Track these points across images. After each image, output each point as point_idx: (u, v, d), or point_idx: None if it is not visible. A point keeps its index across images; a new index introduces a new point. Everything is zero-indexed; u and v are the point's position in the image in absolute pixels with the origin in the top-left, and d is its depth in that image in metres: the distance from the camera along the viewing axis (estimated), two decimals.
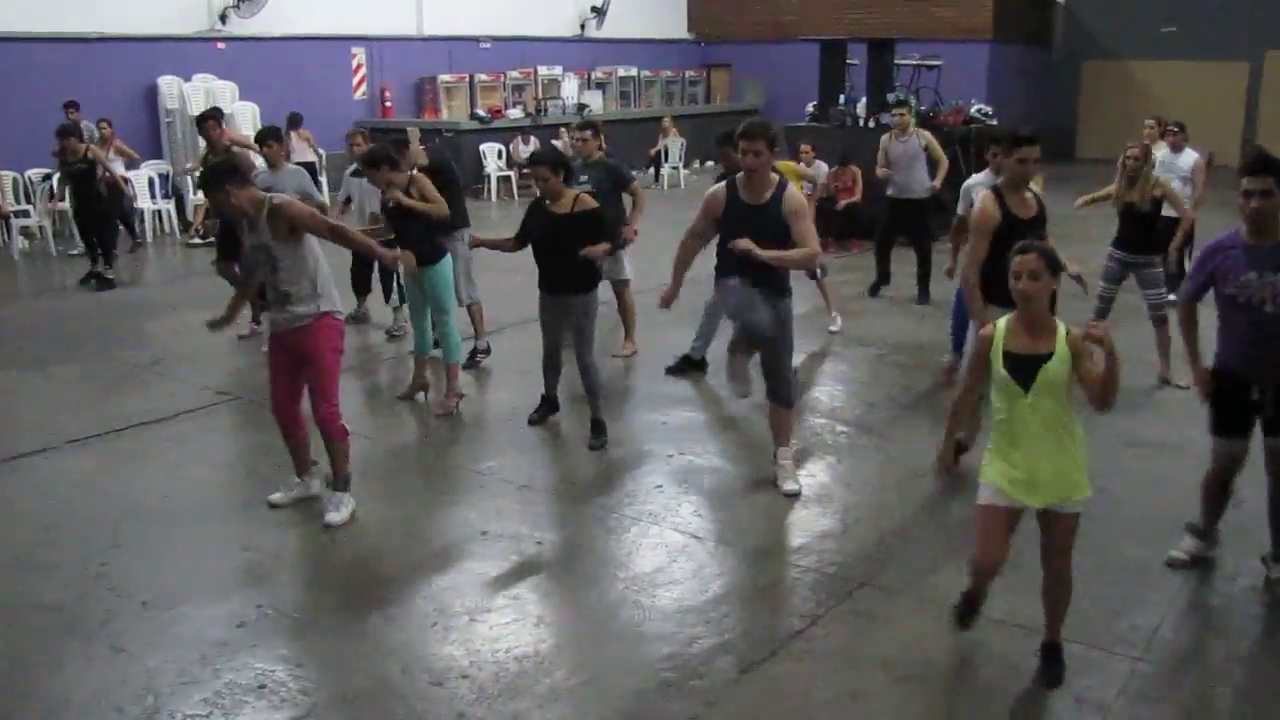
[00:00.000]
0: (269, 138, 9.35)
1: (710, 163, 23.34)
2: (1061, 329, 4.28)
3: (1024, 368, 4.24)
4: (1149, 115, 12.43)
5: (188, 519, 6.31)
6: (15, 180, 15.04)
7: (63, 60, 16.00)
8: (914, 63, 16.75)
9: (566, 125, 15.01)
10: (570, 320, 7.31)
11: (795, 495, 6.46)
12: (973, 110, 16.20)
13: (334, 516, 6.14)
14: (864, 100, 16.04)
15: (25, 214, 14.89)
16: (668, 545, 5.86)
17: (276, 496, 6.43)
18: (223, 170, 6.03)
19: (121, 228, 13.93)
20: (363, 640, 4.93)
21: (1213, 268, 5.18)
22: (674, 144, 21.51)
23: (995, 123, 16.31)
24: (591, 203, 7.30)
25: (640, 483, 6.77)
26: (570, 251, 7.07)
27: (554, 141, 17.92)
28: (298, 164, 11.46)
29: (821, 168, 14.01)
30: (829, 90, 16.65)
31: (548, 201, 7.24)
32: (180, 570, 5.73)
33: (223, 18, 18.10)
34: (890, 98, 15.20)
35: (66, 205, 14.63)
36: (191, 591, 5.49)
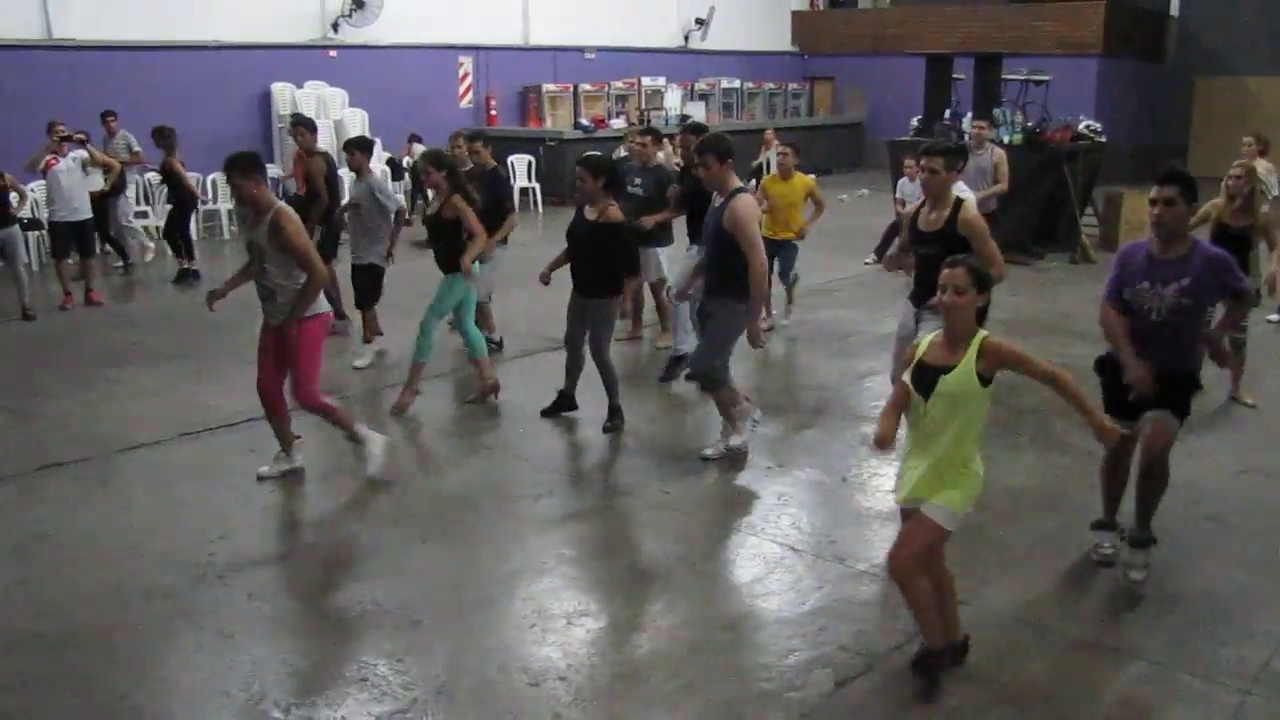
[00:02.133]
0: (354, 147, 9.52)
1: (813, 175, 23.23)
2: (977, 339, 4.33)
3: (927, 378, 4.34)
4: (1250, 131, 12.06)
5: (293, 513, 6.46)
6: (136, 183, 15.52)
7: (183, 68, 16.53)
8: (1021, 78, 16.53)
9: (670, 135, 15.35)
10: (588, 321, 7.67)
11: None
12: (1081, 127, 15.92)
13: (370, 465, 6.80)
14: (969, 115, 15.85)
15: (144, 214, 15.37)
16: (765, 556, 5.86)
17: (264, 469, 6.88)
18: (236, 159, 6.47)
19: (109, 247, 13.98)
20: (463, 639, 5.00)
21: (1120, 270, 5.47)
22: (775, 156, 21.37)
23: (1104, 139, 16.02)
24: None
25: (739, 493, 6.77)
26: (594, 256, 7.52)
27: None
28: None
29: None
30: (934, 104, 16.50)
31: (586, 206, 7.64)
32: (285, 562, 5.88)
33: (335, 26, 18.52)
34: (996, 113, 15.03)
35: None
36: (296, 582, 5.63)
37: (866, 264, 13.95)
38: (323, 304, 6.71)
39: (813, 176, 10.97)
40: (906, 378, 4.43)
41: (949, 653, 4.62)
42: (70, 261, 11.96)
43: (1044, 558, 5.82)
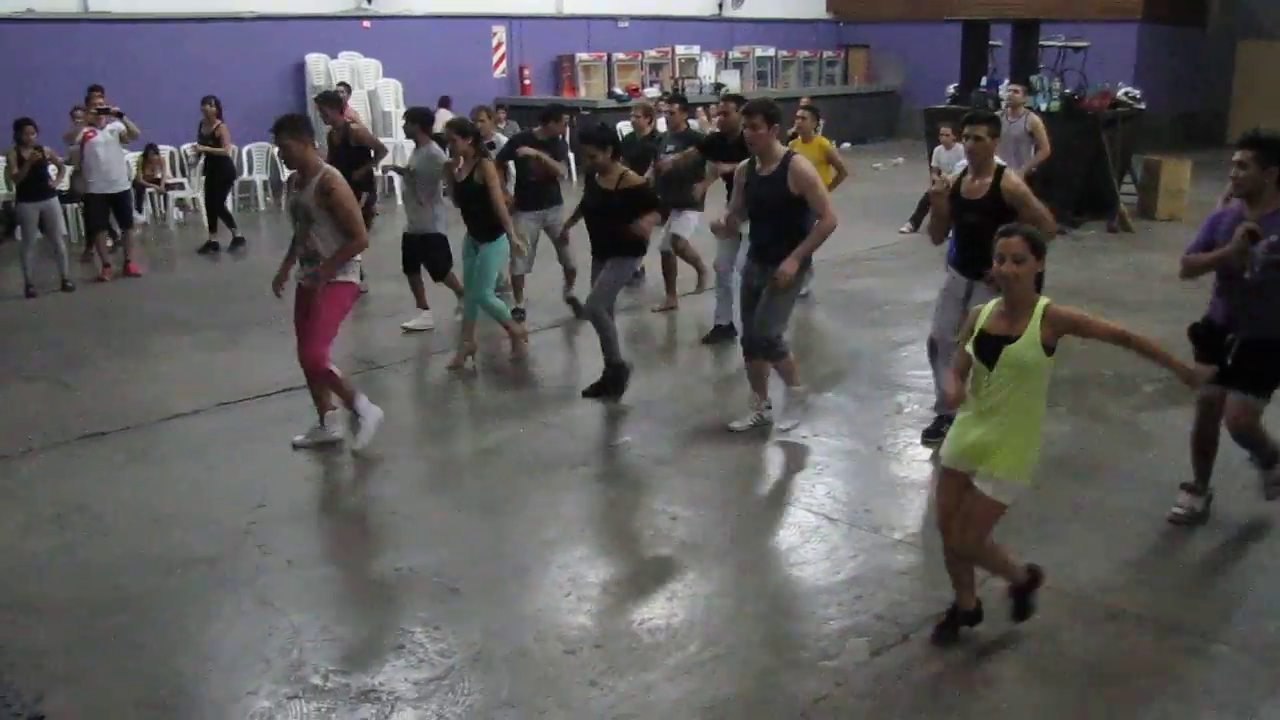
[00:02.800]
0: (412, 118, 9.62)
1: (847, 144, 23.10)
2: (1039, 307, 4.33)
3: (991, 347, 4.34)
4: None
5: (331, 481, 6.51)
6: (172, 155, 15.64)
7: (217, 39, 16.57)
8: (1059, 44, 16.29)
9: (704, 105, 15.53)
10: (600, 274, 7.73)
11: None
12: (1120, 94, 15.69)
13: (361, 439, 6.78)
14: (1007, 82, 15.66)
15: (180, 186, 15.47)
16: (801, 526, 5.85)
17: (299, 438, 6.98)
18: (286, 120, 6.57)
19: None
20: (499, 607, 5.04)
21: (1209, 233, 5.59)
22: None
23: (1143, 106, 15.80)
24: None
25: (773, 462, 6.76)
26: (614, 223, 7.57)
27: (690, 120, 17.94)
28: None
29: (960, 150, 13.75)
30: (971, 72, 16.32)
31: (598, 176, 7.66)
32: (323, 530, 5.95)
33: None
34: (1033, 80, 14.85)
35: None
36: (334, 550, 5.69)
37: (901, 233, 13.85)
38: (355, 272, 6.75)
39: (830, 141, 10.90)
40: (969, 348, 4.41)
41: (1021, 595, 4.70)
42: (108, 233, 12.05)
43: (1081, 528, 5.78)
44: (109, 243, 12.05)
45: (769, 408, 7.22)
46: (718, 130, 9.50)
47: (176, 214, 15.17)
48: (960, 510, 4.49)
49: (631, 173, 7.75)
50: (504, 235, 8.44)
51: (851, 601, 5.05)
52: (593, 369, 8.02)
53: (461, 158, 8.46)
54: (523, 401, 7.94)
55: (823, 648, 4.67)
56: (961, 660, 4.56)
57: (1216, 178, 10.96)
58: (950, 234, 6.72)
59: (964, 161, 6.76)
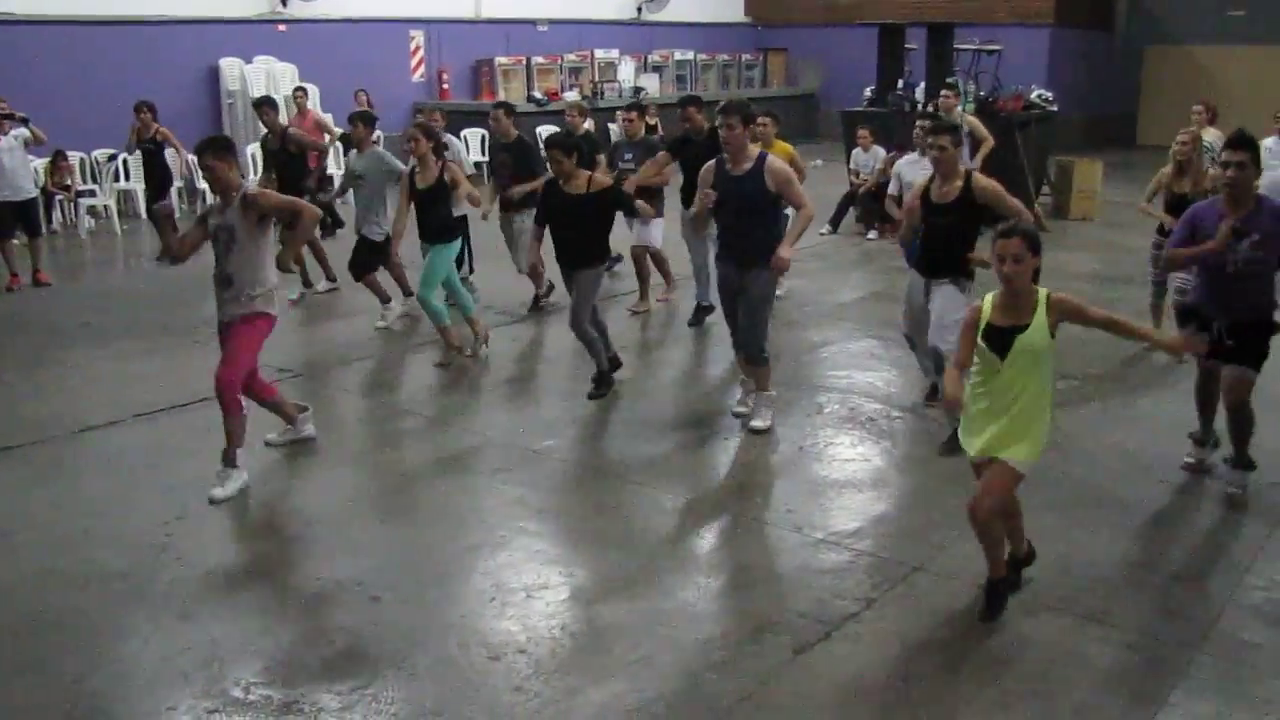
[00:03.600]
0: (358, 121, 9.80)
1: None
2: (1042, 296, 4.62)
3: (1002, 338, 4.59)
4: (1200, 100, 12.18)
5: (250, 491, 6.42)
6: (82, 160, 15.31)
7: (127, 43, 16.24)
8: (973, 47, 16.59)
9: (622, 109, 15.66)
10: (575, 288, 7.72)
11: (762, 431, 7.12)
12: (1033, 96, 16.01)
13: (218, 492, 6.23)
14: (922, 85, 15.91)
15: (91, 193, 15.15)
16: (723, 526, 5.89)
17: (271, 436, 6.94)
18: (211, 140, 6.42)
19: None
20: (422, 614, 5.01)
21: (1193, 227, 5.96)
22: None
23: (1055, 108, 16.14)
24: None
25: (696, 464, 6.79)
26: (585, 228, 7.60)
27: (610, 125, 18.03)
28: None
29: (879, 153, 13.96)
30: (887, 75, 16.54)
31: (561, 182, 7.61)
32: (243, 541, 5.86)
33: (284, 0, 18.27)
34: (949, 82, 15.09)
35: (131, 184, 15.03)
36: (253, 562, 5.61)
37: (821, 234, 13.98)
38: (274, 304, 6.50)
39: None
40: (982, 343, 4.64)
41: (1016, 568, 5.08)
42: (16, 242, 11.76)
43: (1063, 505, 5.83)
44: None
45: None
46: (686, 132, 9.40)
47: (88, 222, 14.84)
48: (984, 478, 4.77)
49: (597, 175, 7.77)
50: (457, 238, 8.66)
51: (774, 600, 5.10)
52: (534, 370, 8.01)
53: (420, 160, 8.48)
54: (446, 408, 7.90)
55: (746, 647, 4.70)
56: (886, 656, 4.63)
57: (1128, 178, 11.29)
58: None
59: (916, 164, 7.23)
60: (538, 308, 10.19)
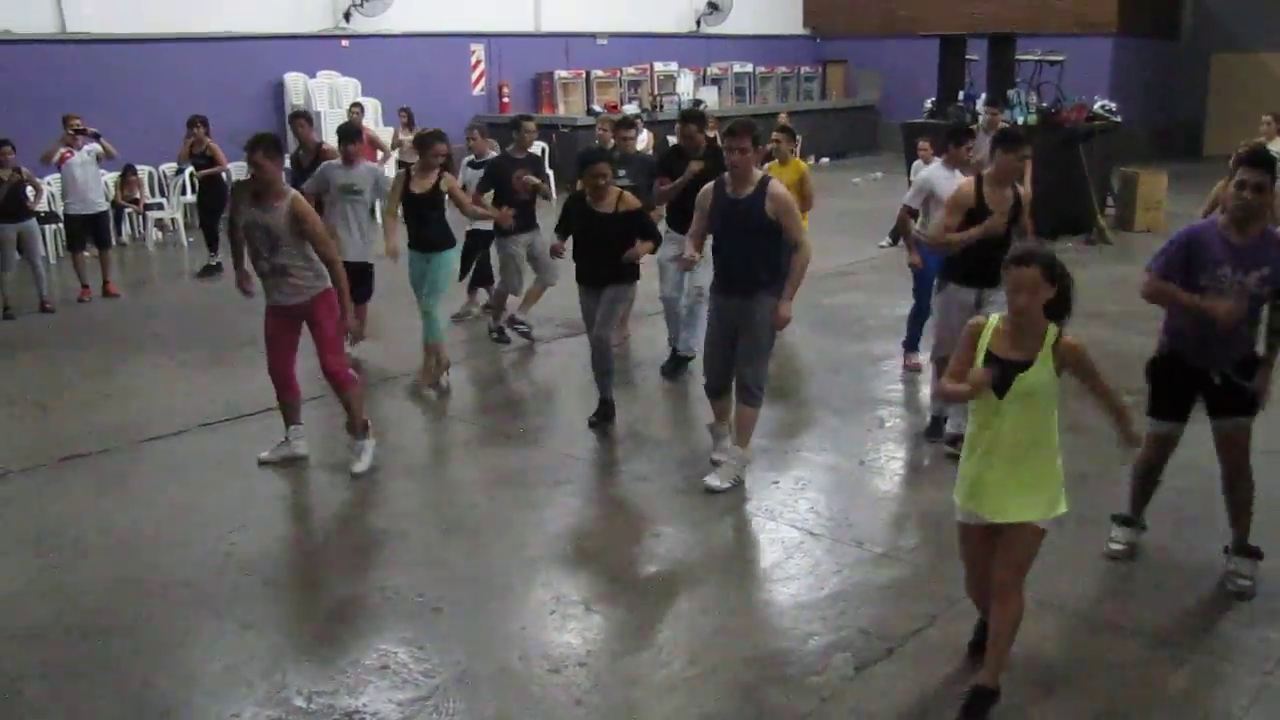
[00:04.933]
0: (347, 138, 9.34)
1: (825, 159, 23.20)
2: (1051, 335, 4.11)
3: (1002, 373, 4.07)
4: (1269, 110, 11.96)
5: (311, 502, 6.49)
6: (150, 174, 15.60)
7: (193, 59, 16.52)
8: (1035, 58, 16.40)
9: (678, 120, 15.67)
10: (605, 304, 7.43)
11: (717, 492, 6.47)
12: (1096, 107, 15.81)
13: (358, 466, 6.76)
14: (984, 96, 15.76)
15: (159, 206, 15.42)
16: (784, 541, 5.86)
17: (264, 455, 6.98)
18: (263, 137, 6.54)
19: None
20: (483, 626, 5.02)
21: (1190, 254, 5.08)
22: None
23: (1119, 119, 15.92)
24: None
25: (756, 478, 6.76)
26: (614, 248, 7.26)
27: (669, 137, 18.03)
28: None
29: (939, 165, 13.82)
30: (948, 86, 16.42)
31: (590, 199, 7.34)
32: (304, 551, 5.92)
33: (347, 16, 18.51)
34: (1010, 94, 14.95)
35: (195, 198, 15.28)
36: (315, 572, 5.66)
37: (881, 247, 13.90)
38: (326, 279, 6.70)
39: (807, 163, 10.58)
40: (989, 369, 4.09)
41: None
42: (87, 254, 11.99)
43: (1064, 540, 5.78)
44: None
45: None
46: (677, 146, 8.95)
47: (155, 234, 15.11)
48: (1001, 544, 4.21)
49: (627, 194, 7.44)
50: (454, 248, 8.56)
51: (835, 617, 5.05)
52: (575, 386, 8.01)
53: (424, 169, 8.27)
54: (505, 419, 7.93)
55: (807, 664, 4.67)
56: (946, 675, 4.57)
57: (1194, 189, 11.05)
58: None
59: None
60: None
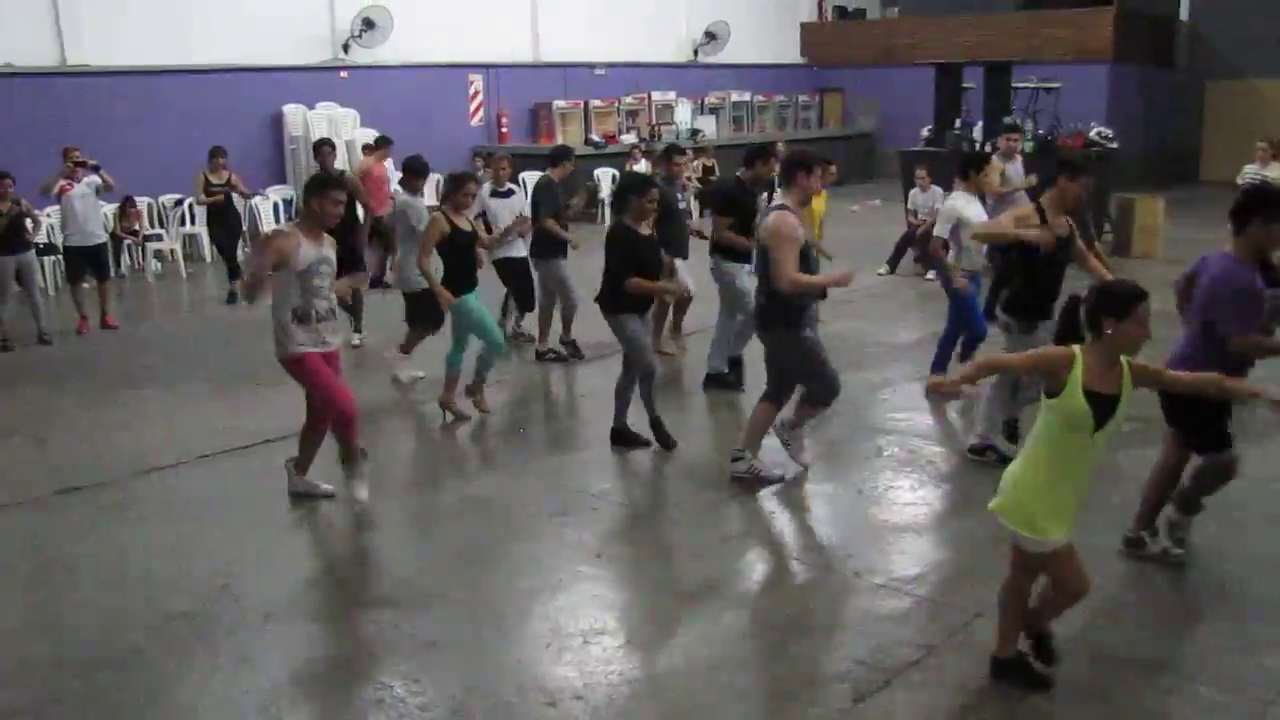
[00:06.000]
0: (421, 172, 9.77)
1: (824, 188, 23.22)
2: (1125, 363, 4.27)
3: (1102, 407, 4.19)
4: (1263, 136, 12.04)
5: (308, 534, 6.47)
6: (150, 206, 15.65)
7: (192, 91, 16.63)
8: (1032, 85, 16.51)
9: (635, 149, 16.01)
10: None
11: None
12: (1092, 134, 15.89)
13: (362, 493, 6.67)
14: (980, 124, 15.84)
15: (158, 238, 15.47)
16: (781, 570, 5.84)
17: (363, 494, 6.72)
18: (338, 180, 6.72)
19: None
20: (479, 659, 5.00)
21: (1238, 294, 5.25)
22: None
23: (1115, 145, 15.98)
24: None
25: (752, 508, 6.75)
26: (657, 272, 7.53)
27: (634, 166, 18.16)
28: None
29: (937, 193, 13.89)
30: (945, 114, 16.49)
31: (636, 224, 7.40)
32: (301, 584, 5.88)
33: (345, 48, 18.62)
34: (1006, 122, 15.01)
35: (197, 229, 15.35)
36: (311, 606, 5.63)
37: (880, 274, 13.92)
38: None
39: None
40: (1085, 405, 4.18)
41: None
42: (86, 286, 12.00)
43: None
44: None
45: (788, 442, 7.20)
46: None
47: (155, 266, 15.14)
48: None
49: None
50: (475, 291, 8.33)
51: (834, 647, 5.03)
52: (575, 415, 8.00)
53: (462, 206, 8.27)
54: (504, 450, 7.92)
55: (806, 694, 4.64)
56: (946, 705, 4.55)
57: (1190, 215, 11.15)
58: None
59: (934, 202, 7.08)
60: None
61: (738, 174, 9.08)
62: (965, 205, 8.43)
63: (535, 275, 10.02)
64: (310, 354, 6.47)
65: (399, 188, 9.81)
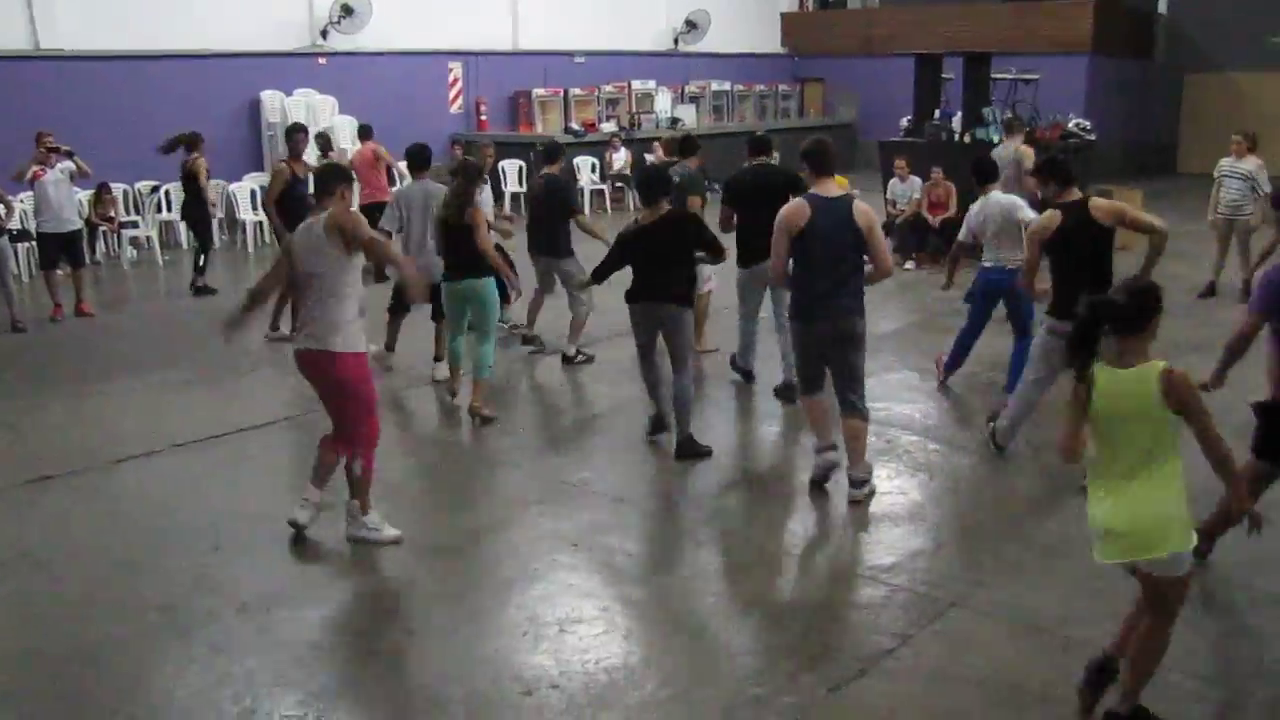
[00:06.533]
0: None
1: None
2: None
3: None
4: (1239, 129, 12.07)
5: (284, 524, 6.43)
6: (125, 192, 15.52)
7: (169, 77, 16.47)
8: (1011, 76, 16.54)
9: (659, 138, 15.81)
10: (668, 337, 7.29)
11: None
12: (1070, 125, 15.94)
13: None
14: (959, 115, 15.86)
15: (134, 224, 15.35)
16: (757, 560, 5.84)
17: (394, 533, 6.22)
18: (346, 169, 6.43)
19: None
20: (455, 648, 4.99)
21: None
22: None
23: (1093, 137, 16.02)
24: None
25: (731, 498, 6.75)
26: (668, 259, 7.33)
27: (646, 155, 18.09)
28: None
29: (916, 183, 13.94)
30: (924, 105, 16.50)
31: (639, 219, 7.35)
32: (277, 574, 5.86)
33: (324, 34, 18.48)
34: (985, 112, 15.04)
35: (174, 216, 15.23)
36: (288, 595, 5.61)
37: None
38: None
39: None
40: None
41: None
42: (60, 273, 11.90)
43: (1042, 562, 5.80)
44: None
45: (834, 448, 6.74)
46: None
47: (130, 253, 15.03)
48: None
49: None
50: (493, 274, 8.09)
51: (809, 636, 5.04)
52: (561, 407, 7.97)
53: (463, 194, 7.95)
54: (481, 440, 7.90)
55: (781, 683, 4.65)
56: (921, 693, 4.57)
57: (1168, 207, 11.16)
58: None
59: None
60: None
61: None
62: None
63: (537, 269, 9.85)
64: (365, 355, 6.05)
65: (410, 178, 9.46)
